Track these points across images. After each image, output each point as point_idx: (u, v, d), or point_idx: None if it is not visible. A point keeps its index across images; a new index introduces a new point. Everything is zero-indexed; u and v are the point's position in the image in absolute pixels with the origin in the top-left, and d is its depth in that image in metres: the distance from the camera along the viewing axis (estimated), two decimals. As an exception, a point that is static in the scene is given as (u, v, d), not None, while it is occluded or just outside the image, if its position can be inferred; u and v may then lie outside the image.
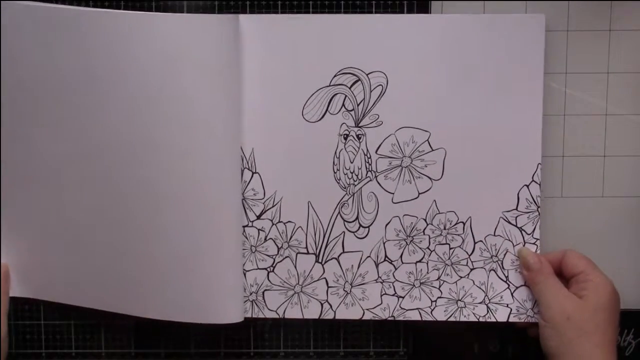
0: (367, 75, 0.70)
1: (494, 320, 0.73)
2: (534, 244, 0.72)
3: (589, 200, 0.74)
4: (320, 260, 0.72)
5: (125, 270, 0.71)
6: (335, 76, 0.70)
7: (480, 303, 0.73)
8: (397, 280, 0.72)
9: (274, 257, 0.72)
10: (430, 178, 0.71)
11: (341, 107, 0.70)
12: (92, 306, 0.73)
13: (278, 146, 0.71)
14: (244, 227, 0.72)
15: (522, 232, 0.72)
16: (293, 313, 0.73)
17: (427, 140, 0.70)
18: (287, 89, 0.70)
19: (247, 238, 0.72)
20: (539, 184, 0.71)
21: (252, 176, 0.71)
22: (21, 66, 0.68)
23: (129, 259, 0.70)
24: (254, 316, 0.73)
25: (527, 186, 0.71)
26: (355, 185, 0.71)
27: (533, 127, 0.70)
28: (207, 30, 0.66)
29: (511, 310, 0.72)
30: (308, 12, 0.72)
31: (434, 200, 0.71)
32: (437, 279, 0.72)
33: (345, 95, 0.70)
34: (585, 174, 0.74)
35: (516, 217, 0.71)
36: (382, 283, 0.72)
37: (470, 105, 0.70)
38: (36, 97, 0.69)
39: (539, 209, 0.71)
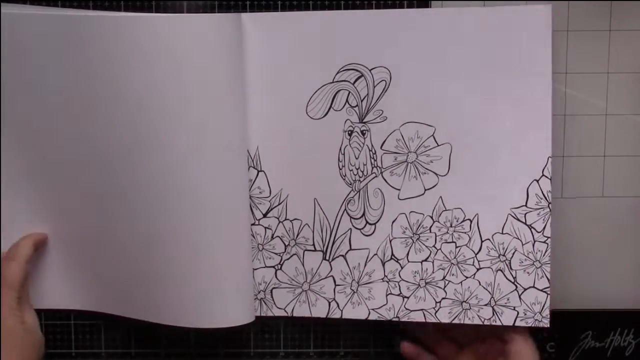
0: (370, 70, 0.69)
1: (500, 323, 0.70)
2: (544, 242, 0.69)
3: (589, 200, 0.74)
4: (327, 258, 0.72)
5: (133, 275, 0.70)
6: (338, 72, 0.69)
7: (485, 305, 0.70)
8: (402, 279, 0.71)
9: (281, 255, 0.72)
10: (436, 174, 0.70)
11: (345, 103, 0.70)
12: (99, 310, 0.73)
13: (283, 144, 0.70)
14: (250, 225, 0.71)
15: (532, 230, 0.69)
16: (301, 311, 0.72)
17: (432, 135, 0.70)
18: (291, 86, 0.70)
19: (254, 236, 0.72)
20: (550, 179, 0.68)
21: (257, 174, 0.71)
22: (23, 69, 0.67)
23: (138, 263, 0.70)
24: (262, 315, 0.73)
25: (537, 181, 0.69)
26: (361, 182, 0.71)
27: (542, 118, 0.68)
28: (211, 30, 0.66)
29: (518, 313, 0.70)
30: (308, 10, 0.72)
31: (440, 197, 0.70)
32: (442, 279, 0.71)
33: (349, 92, 0.69)
34: (585, 174, 0.74)
35: (525, 214, 0.69)
36: (388, 282, 0.71)
37: (475, 98, 0.69)
38: (38, 101, 0.68)
39: (549, 205, 0.69)
